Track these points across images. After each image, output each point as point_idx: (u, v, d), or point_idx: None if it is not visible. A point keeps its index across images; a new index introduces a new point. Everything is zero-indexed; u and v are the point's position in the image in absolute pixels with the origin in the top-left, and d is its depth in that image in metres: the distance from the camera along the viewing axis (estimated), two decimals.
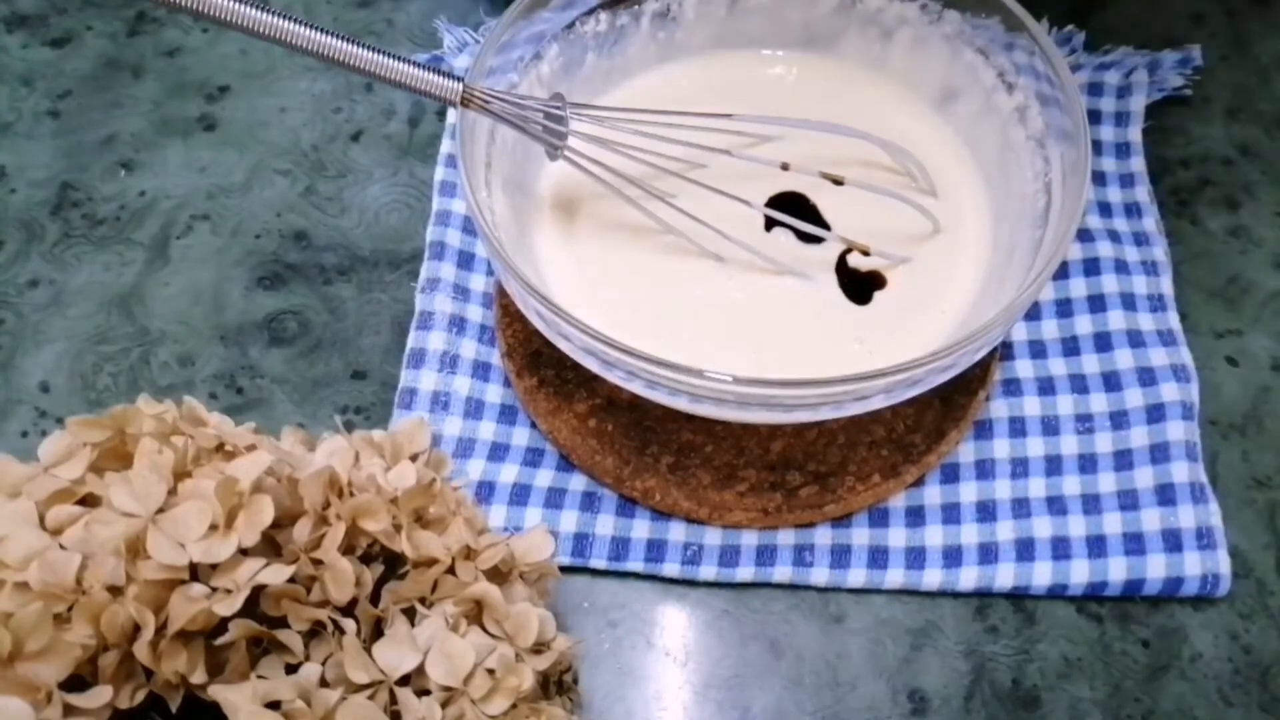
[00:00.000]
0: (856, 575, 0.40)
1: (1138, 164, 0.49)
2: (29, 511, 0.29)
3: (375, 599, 0.31)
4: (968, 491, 0.42)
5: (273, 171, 0.51)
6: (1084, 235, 0.47)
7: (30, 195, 0.50)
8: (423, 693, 0.30)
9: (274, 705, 0.28)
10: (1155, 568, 0.39)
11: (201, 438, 0.31)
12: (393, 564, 0.32)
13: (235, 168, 0.51)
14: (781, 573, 0.40)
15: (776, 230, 0.42)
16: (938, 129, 0.45)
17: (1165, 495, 0.41)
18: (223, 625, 0.28)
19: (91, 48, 0.55)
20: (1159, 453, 0.41)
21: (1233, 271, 0.48)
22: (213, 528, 0.28)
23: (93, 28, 0.56)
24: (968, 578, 0.40)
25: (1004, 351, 0.45)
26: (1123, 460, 0.42)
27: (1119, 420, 0.43)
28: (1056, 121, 0.38)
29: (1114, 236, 0.47)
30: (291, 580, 0.29)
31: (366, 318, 0.47)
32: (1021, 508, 0.41)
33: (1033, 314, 0.46)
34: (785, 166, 0.41)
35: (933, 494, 0.42)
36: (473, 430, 0.43)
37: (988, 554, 0.40)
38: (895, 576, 0.40)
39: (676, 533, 0.41)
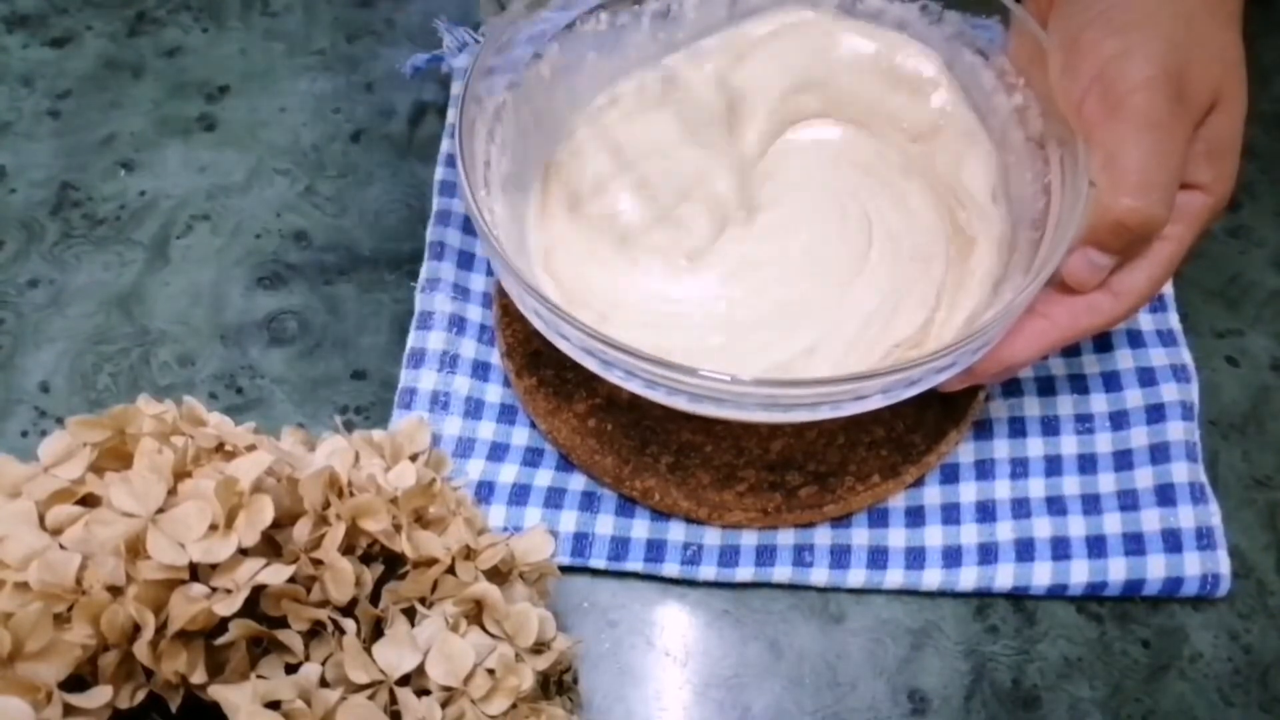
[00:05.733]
0: (856, 575, 0.40)
1: None
2: (29, 511, 0.29)
3: (375, 599, 0.31)
4: (967, 491, 0.42)
5: (273, 171, 0.51)
6: None
7: (30, 195, 0.50)
8: (423, 693, 0.30)
9: (274, 705, 0.28)
10: (1155, 568, 0.39)
11: (201, 438, 0.31)
12: (393, 564, 0.32)
13: (235, 168, 0.51)
14: (781, 573, 0.40)
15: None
16: None
17: (1165, 495, 0.41)
18: (223, 625, 0.28)
19: (91, 48, 0.55)
20: (1159, 453, 0.41)
21: (1233, 271, 0.48)
22: (213, 528, 0.28)
23: (93, 28, 0.56)
24: (967, 578, 0.40)
25: None
26: (1122, 460, 0.42)
27: (1119, 420, 0.43)
28: (1055, 122, 0.38)
29: None
30: (291, 580, 0.29)
31: (366, 318, 0.47)
32: (1021, 508, 0.41)
33: None
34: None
35: (932, 494, 0.42)
36: (472, 430, 0.43)
37: (987, 554, 0.40)
38: (895, 576, 0.40)
39: (676, 533, 0.41)
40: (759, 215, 0.42)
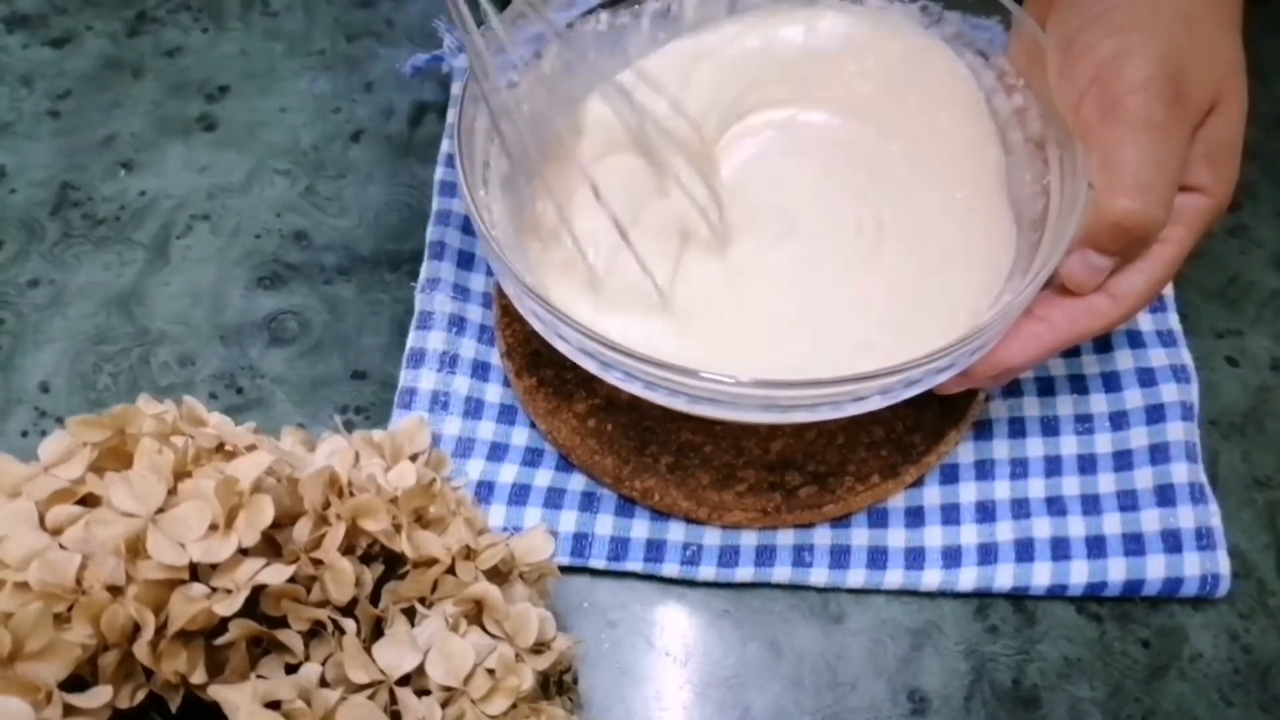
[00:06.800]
0: (856, 575, 0.40)
1: None
2: (29, 511, 0.29)
3: (375, 599, 0.31)
4: (967, 492, 0.42)
5: (273, 171, 0.51)
6: None
7: (30, 195, 0.50)
8: (423, 693, 0.30)
9: (274, 705, 0.28)
10: (1155, 568, 0.39)
11: (201, 438, 0.31)
12: (393, 564, 0.32)
13: (235, 168, 0.51)
14: (781, 573, 0.40)
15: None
16: None
17: (1165, 496, 0.41)
18: (223, 625, 0.28)
19: (91, 48, 0.55)
20: (1159, 453, 0.41)
21: (1233, 271, 0.48)
22: (213, 528, 0.28)
23: (93, 28, 0.56)
24: (967, 578, 0.40)
25: None
26: (1122, 461, 0.42)
27: (1119, 421, 0.43)
28: (1055, 124, 0.38)
29: None
30: (291, 580, 0.29)
31: (366, 318, 0.47)
32: (1021, 508, 0.41)
33: None
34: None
35: (932, 494, 0.42)
36: (472, 430, 0.43)
37: (987, 554, 0.40)
38: (894, 577, 0.40)
39: (676, 533, 0.41)
40: (739, 229, 0.42)
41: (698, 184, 0.40)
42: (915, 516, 0.42)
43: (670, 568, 0.40)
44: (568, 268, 0.40)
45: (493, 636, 0.31)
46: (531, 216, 0.41)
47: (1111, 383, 0.44)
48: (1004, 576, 0.40)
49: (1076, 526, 0.41)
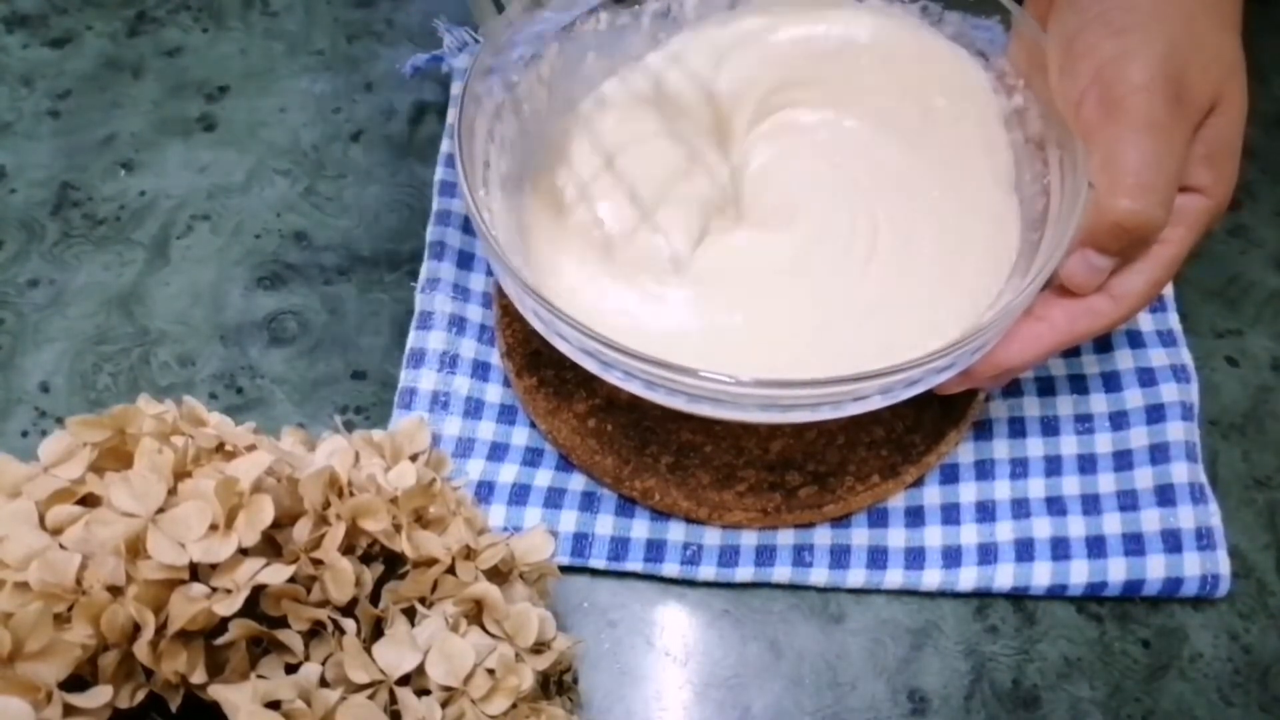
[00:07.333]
0: (856, 575, 0.40)
1: None
2: (29, 511, 0.29)
3: (375, 599, 0.31)
4: (967, 492, 0.42)
5: (273, 171, 0.51)
6: None
7: (30, 195, 0.50)
8: (423, 693, 0.30)
9: (274, 705, 0.28)
10: (1155, 568, 0.39)
11: (201, 438, 0.31)
12: (393, 564, 0.32)
13: (235, 168, 0.51)
14: (781, 573, 0.40)
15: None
16: None
17: (1165, 496, 0.41)
18: (223, 625, 0.28)
19: (91, 48, 0.55)
20: (1159, 453, 0.41)
21: (1233, 271, 0.49)
22: (213, 528, 0.28)
23: (93, 28, 0.56)
24: (967, 578, 0.40)
25: None
26: (1122, 461, 0.42)
27: (1118, 421, 0.43)
28: (1055, 124, 0.38)
29: None
30: (291, 580, 0.29)
31: (366, 318, 0.47)
32: (1021, 508, 0.41)
33: None
34: None
35: (932, 494, 0.42)
36: (472, 430, 0.43)
37: (987, 554, 0.40)
38: (894, 577, 0.40)
39: (676, 533, 0.41)
40: (751, 219, 0.42)
41: (721, 166, 0.40)
42: (915, 516, 0.42)
43: (670, 568, 0.40)
44: (580, 241, 0.40)
45: (493, 636, 0.31)
46: (548, 185, 0.42)
47: (1111, 383, 0.44)
48: (1004, 576, 0.40)
49: (1076, 526, 0.41)
